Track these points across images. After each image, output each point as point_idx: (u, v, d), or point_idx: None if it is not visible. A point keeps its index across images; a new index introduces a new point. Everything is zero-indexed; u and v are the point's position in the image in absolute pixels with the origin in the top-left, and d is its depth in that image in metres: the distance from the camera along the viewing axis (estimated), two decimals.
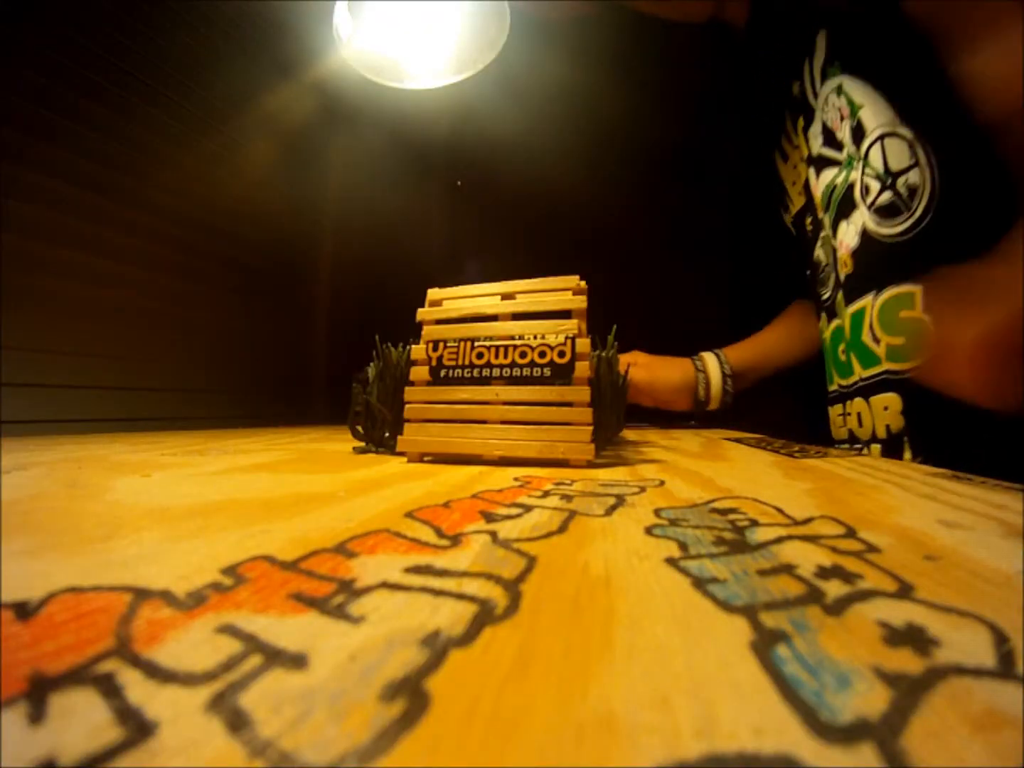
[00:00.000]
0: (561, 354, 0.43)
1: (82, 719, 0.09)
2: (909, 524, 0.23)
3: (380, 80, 0.90)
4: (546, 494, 0.30)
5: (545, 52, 1.09)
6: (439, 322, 0.48)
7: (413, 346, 0.48)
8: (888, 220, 0.65)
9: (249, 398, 1.13)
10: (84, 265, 0.80)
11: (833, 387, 0.83)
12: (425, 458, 0.46)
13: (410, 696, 0.09)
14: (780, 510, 0.25)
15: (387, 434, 0.53)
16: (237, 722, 0.09)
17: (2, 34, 0.71)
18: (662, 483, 0.34)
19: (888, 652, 0.11)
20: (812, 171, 0.79)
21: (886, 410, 0.67)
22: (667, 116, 1.26)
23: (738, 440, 0.72)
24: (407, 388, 0.47)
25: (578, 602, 0.14)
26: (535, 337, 0.44)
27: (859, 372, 0.72)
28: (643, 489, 0.32)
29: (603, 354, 0.52)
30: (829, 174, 0.75)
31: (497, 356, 0.45)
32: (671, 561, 0.17)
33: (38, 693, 0.09)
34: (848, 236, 0.71)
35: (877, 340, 0.67)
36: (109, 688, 0.10)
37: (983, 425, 0.56)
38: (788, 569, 0.16)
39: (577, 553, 0.18)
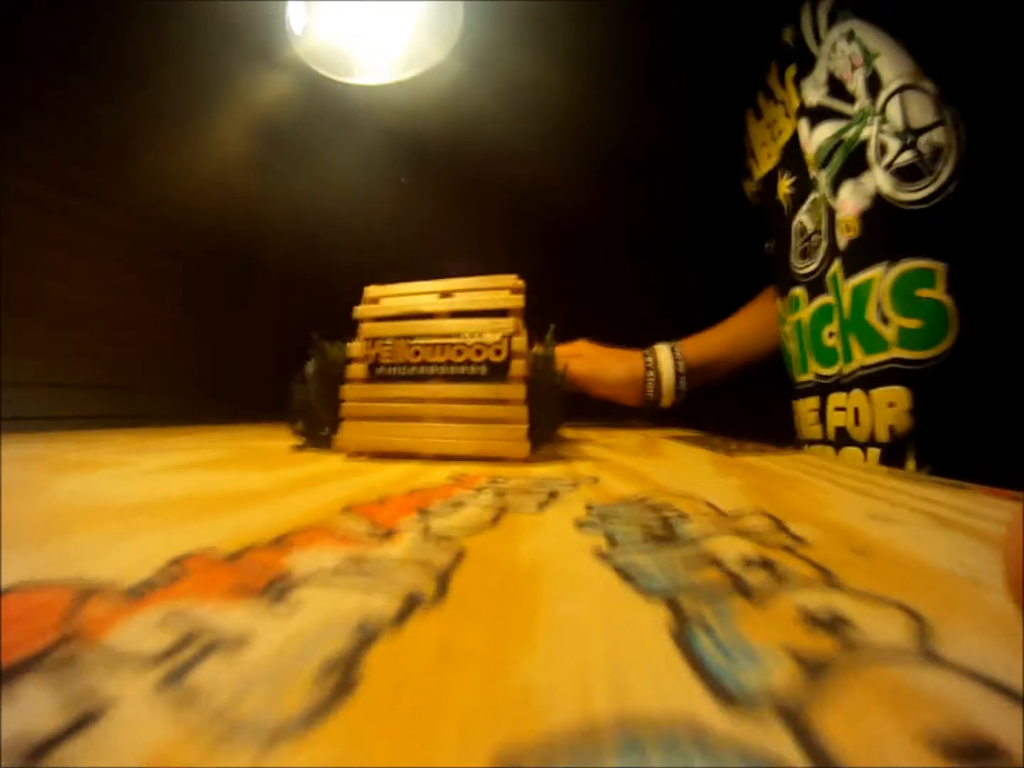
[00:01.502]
0: (497, 352, 0.44)
1: (35, 706, 0.09)
2: (834, 517, 0.24)
3: (331, 75, 0.90)
4: (480, 490, 0.30)
5: (503, 45, 1.09)
6: (377, 319, 0.48)
7: (350, 343, 0.48)
8: (907, 184, 0.57)
9: (192, 395, 1.12)
10: (22, 256, 0.78)
11: (805, 377, 0.75)
12: (362, 455, 0.46)
13: (343, 674, 0.10)
14: (711, 505, 0.26)
15: (325, 431, 0.53)
16: (186, 698, 0.09)
17: None
18: (596, 480, 0.35)
19: (801, 632, 0.12)
20: (804, 124, 0.71)
21: (891, 407, 0.59)
22: (624, 100, 1.25)
23: (678, 438, 0.73)
24: (344, 386, 0.47)
25: (504, 591, 0.15)
26: (472, 335, 0.45)
27: (860, 358, 0.62)
28: (576, 485, 0.32)
29: (540, 353, 0.52)
30: (829, 128, 0.66)
31: (434, 354, 0.45)
32: (599, 554, 0.18)
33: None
34: (855, 197, 0.62)
35: (886, 320, 0.59)
36: (62, 675, 0.10)
37: (1011, 435, 0.52)
38: (713, 560, 0.17)
39: (506, 546, 0.19)
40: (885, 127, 0.59)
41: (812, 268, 0.70)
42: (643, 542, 0.19)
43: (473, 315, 0.46)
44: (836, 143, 0.65)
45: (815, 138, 0.68)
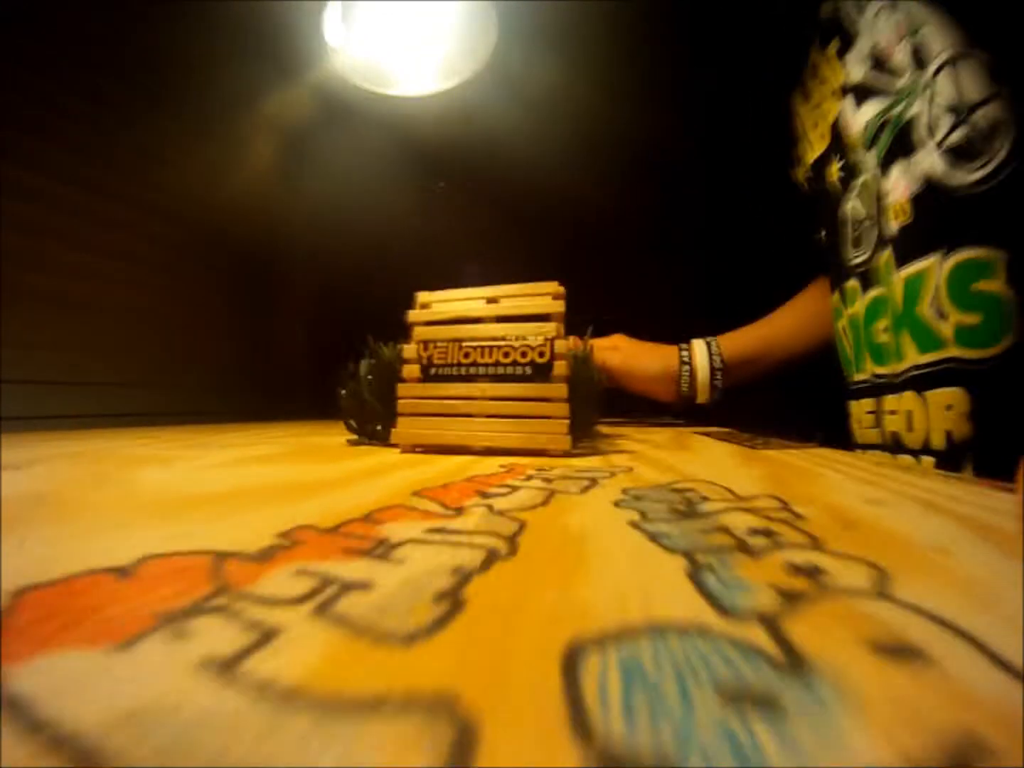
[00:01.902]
0: (541, 354, 0.48)
1: (218, 633, 0.12)
2: (835, 500, 0.28)
3: (370, 87, 0.94)
4: (529, 477, 0.34)
5: (534, 54, 1.11)
6: (428, 324, 0.52)
7: (405, 345, 0.52)
8: (963, 164, 0.52)
9: (230, 394, 1.15)
10: (58, 260, 0.82)
11: (861, 376, 0.70)
12: (417, 449, 0.50)
13: (452, 600, 0.14)
14: (729, 490, 0.30)
15: (379, 427, 0.57)
16: (340, 619, 0.13)
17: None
18: (630, 469, 0.39)
19: (782, 574, 0.16)
20: (850, 102, 0.66)
21: (948, 410, 0.54)
22: (648, 102, 1.24)
23: (707, 434, 0.75)
24: (400, 385, 0.51)
25: (561, 548, 0.19)
26: (517, 338, 0.49)
27: (913, 357, 0.57)
28: (613, 474, 0.36)
29: (578, 354, 0.56)
30: (874, 105, 0.62)
31: (482, 356, 0.49)
32: (632, 524, 0.22)
33: (172, 623, 0.13)
34: (906, 179, 0.57)
35: (943, 315, 0.54)
36: (229, 613, 0.14)
37: None
38: (724, 529, 0.21)
39: (557, 519, 0.23)
40: (935, 102, 0.54)
41: (862, 257, 0.66)
42: (668, 516, 0.23)
43: (518, 320, 0.50)
44: (883, 121, 0.60)
45: (860, 117, 0.64)
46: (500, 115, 1.22)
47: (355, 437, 0.60)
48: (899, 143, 0.58)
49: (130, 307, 0.92)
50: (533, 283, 0.51)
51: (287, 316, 1.36)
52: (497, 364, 0.49)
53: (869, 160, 0.63)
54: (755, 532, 0.21)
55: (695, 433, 0.78)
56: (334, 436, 0.65)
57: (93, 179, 0.87)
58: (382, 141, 1.36)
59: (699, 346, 0.95)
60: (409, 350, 0.52)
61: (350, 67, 0.93)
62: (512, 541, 0.19)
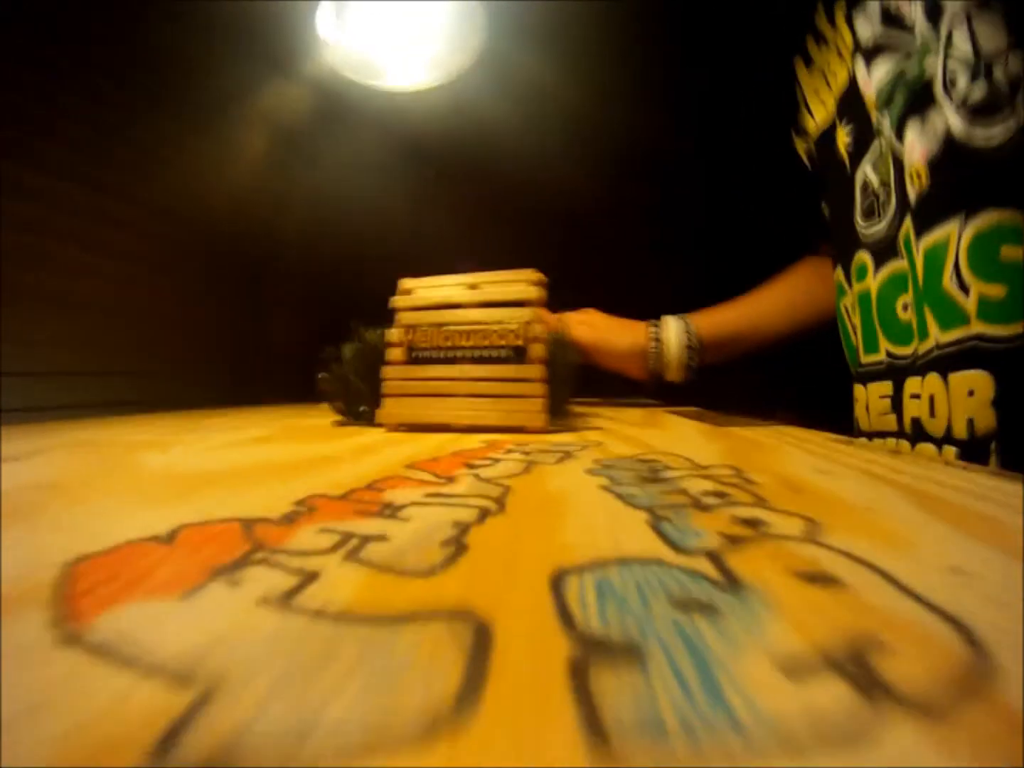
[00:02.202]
0: (518, 337, 0.51)
1: (266, 579, 0.15)
2: (787, 470, 0.31)
3: (361, 80, 0.96)
4: (509, 451, 0.37)
5: (526, 50, 1.12)
6: (412, 309, 0.55)
7: (389, 329, 0.55)
8: (983, 121, 0.49)
9: (208, 380, 1.17)
10: (46, 252, 0.82)
11: (872, 358, 0.65)
12: (401, 428, 0.53)
13: (456, 544, 0.17)
14: (691, 460, 0.33)
15: (363, 408, 0.60)
16: (367, 562, 0.16)
17: None
18: (601, 443, 0.42)
19: (731, 524, 0.19)
20: (861, 64, 0.62)
21: (971, 396, 0.49)
22: (638, 97, 1.24)
23: (677, 413, 0.78)
24: (384, 367, 0.54)
25: (542, 506, 0.22)
26: (496, 323, 0.51)
27: (936, 335, 0.52)
28: (586, 447, 0.39)
29: (554, 336, 0.59)
30: (887, 64, 0.58)
31: (463, 339, 0.52)
32: (603, 487, 0.25)
33: (223, 573, 0.15)
34: (923, 140, 0.53)
35: (965, 288, 0.49)
36: (271, 563, 0.16)
37: None
38: (682, 489, 0.24)
39: (537, 484, 0.26)
40: (951, 57, 0.51)
41: (880, 229, 0.61)
42: (635, 481, 0.26)
43: (497, 305, 0.52)
44: (897, 80, 0.57)
45: (874, 77, 0.60)
46: (491, 109, 1.23)
47: (341, 418, 0.62)
48: (914, 103, 0.54)
49: (120, 299, 0.93)
50: (512, 270, 0.54)
51: (273, 305, 1.38)
52: (477, 347, 0.51)
53: (884, 123, 0.58)
54: (709, 494, 0.24)
55: (667, 412, 0.81)
56: (319, 418, 0.67)
57: (88, 174, 0.88)
58: (373, 133, 1.37)
59: (671, 323, 0.93)
60: (393, 334, 0.54)
61: (342, 61, 0.95)
62: (500, 502, 0.22)
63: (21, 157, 0.78)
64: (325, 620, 0.12)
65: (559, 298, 0.53)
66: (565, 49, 1.17)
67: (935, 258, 0.52)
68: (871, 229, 0.62)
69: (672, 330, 0.91)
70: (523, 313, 0.51)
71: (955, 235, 0.50)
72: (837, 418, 0.68)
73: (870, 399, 0.66)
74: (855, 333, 0.69)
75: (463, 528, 0.18)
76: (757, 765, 0.07)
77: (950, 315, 0.51)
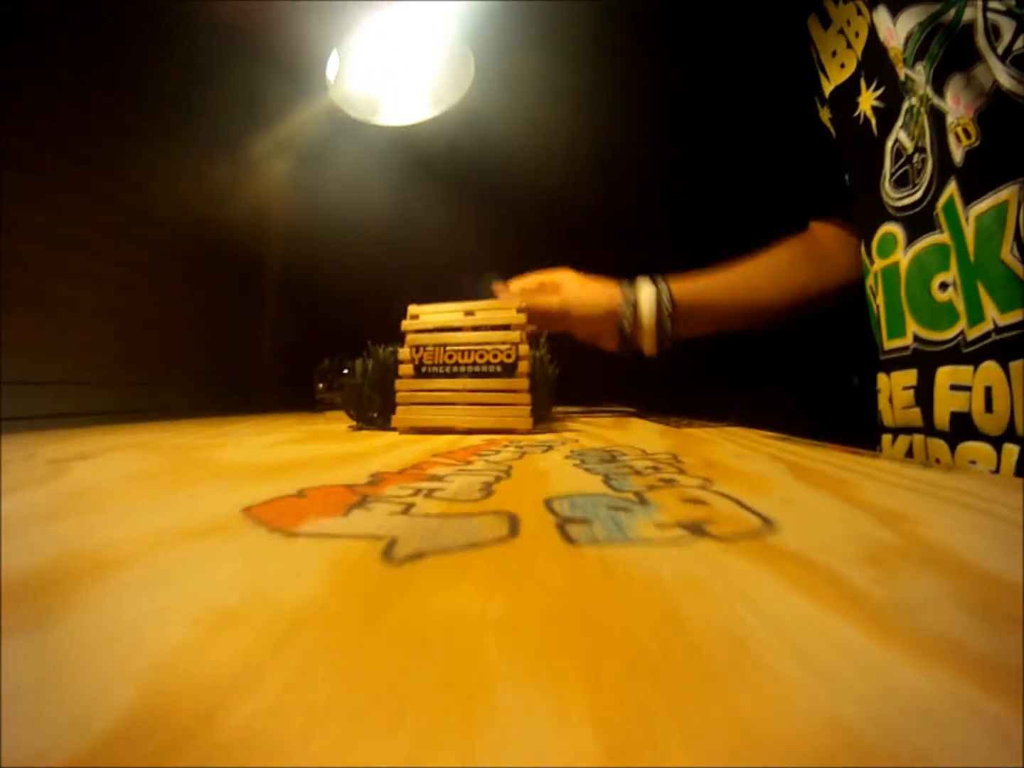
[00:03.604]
0: (508, 356, 0.62)
1: (384, 508, 0.26)
2: (714, 456, 0.42)
3: (360, 116, 1.07)
4: (506, 446, 0.48)
5: (530, 50, 1.20)
6: (418, 331, 0.66)
7: (400, 348, 0.66)
8: None
9: (206, 390, 1.23)
10: (35, 258, 0.87)
11: (897, 343, 0.59)
12: (412, 430, 0.64)
13: (488, 490, 0.28)
14: (643, 450, 0.44)
15: (375, 415, 0.71)
16: (438, 498, 0.27)
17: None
18: (576, 440, 0.53)
19: (655, 482, 0.30)
20: (882, 13, 0.57)
21: None
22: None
23: (643, 417, 0.90)
24: (397, 380, 0.65)
25: (534, 475, 0.33)
26: (489, 343, 0.63)
27: (994, 316, 0.47)
28: (565, 443, 0.51)
29: (538, 354, 0.71)
30: (917, 13, 0.53)
31: (463, 357, 0.63)
32: (575, 465, 0.37)
33: (356, 506, 0.27)
34: (968, 94, 0.49)
35: None
36: (383, 500, 0.27)
37: None
38: (630, 466, 0.36)
39: (529, 464, 0.38)
40: (991, 5, 0.47)
41: (914, 198, 0.55)
42: (597, 461, 0.38)
43: (489, 328, 0.64)
44: (931, 29, 0.52)
45: (899, 28, 0.55)
46: (492, 129, 1.30)
47: (354, 424, 0.73)
48: (953, 54, 0.50)
49: (97, 304, 0.99)
50: (501, 300, 0.65)
51: (266, 318, 1.45)
52: (474, 364, 0.63)
53: (917, 78, 0.53)
54: (648, 468, 0.35)
55: (635, 418, 0.92)
56: (333, 424, 0.78)
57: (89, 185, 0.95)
58: (372, 151, 1.45)
59: (645, 285, 0.86)
60: (404, 352, 0.66)
61: (342, 98, 1.06)
62: (508, 472, 0.34)
63: (18, 163, 0.84)
64: (432, 517, 0.23)
65: None
66: (564, 54, 1.23)
67: (989, 228, 0.47)
68: (903, 199, 0.57)
69: (645, 291, 0.85)
70: (511, 335, 0.63)
71: (1015, 200, 0.45)
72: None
73: (894, 390, 0.60)
74: (880, 314, 0.62)
75: (488, 484, 0.30)
76: (633, 551, 0.19)
77: (1011, 293, 0.46)
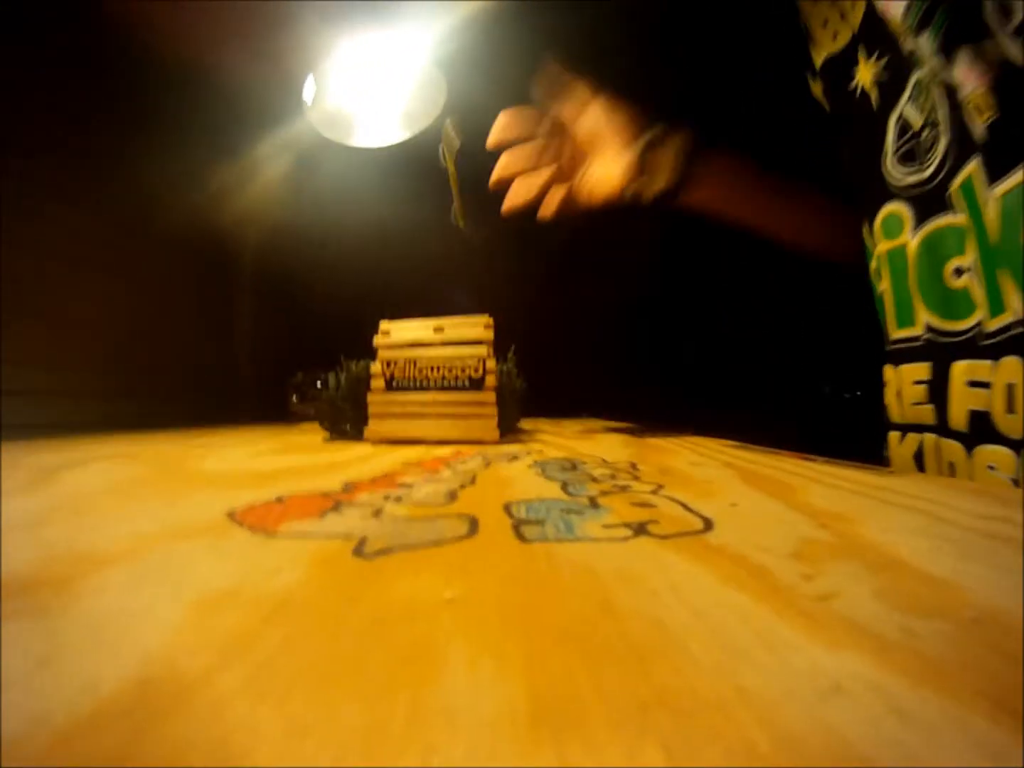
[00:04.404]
0: (476, 370, 0.64)
1: (356, 512, 0.28)
2: (670, 464, 0.45)
3: (335, 138, 1.09)
4: (472, 456, 0.51)
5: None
6: (389, 347, 0.68)
7: (372, 363, 0.68)
8: None
9: (184, 402, 1.25)
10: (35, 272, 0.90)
11: (908, 332, 0.54)
12: (384, 442, 0.66)
13: (452, 496, 0.30)
14: (603, 459, 0.47)
15: (347, 427, 0.73)
16: (407, 503, 0.29)
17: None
18: (541, 451, 0.56)
19: (609, 488, 0.33)
20: None
21: None
22: None
23: (609, 428, 0.92)
24: (369, 393, 0.67)
25: (497, 482, 0.35)
26: (458, 358, 0.65)
27: (1017, 307, 0.43)
28: (530, 453, 0.53)
29: (504, 367, 0.73)
30: None
31: (432, 371, 0.65)
32: (536, 474, 0.39)
33: (331, 511, 0.29)
34: (981, 64, 0.44)
35: None
36: (355, 506, 0.29)
37: None
38: (588, 474, 0.38)
39: (495, 472, 0.40)
40: None
41: (923, 176, 0.51)
42: (558, 470, 0.40)
43: (458, 344, 0.66)
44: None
45: None
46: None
47: (328, 435, 0.75)
48: (960, 23, 0.46)
49: (90, 320, 1.02)
50: (469, 316, 0.68)
51: (240, 334, 1.46)
52: (443, 378, 0.65)
53: (923, 48, 0.49)
54: (605, 476, 0.38)
55: (602, 429, 0.94)
56: (308, 436, 0.79)
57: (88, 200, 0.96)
58: (340, 172, 1.46)
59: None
60: (376, 367, 0.68)
61: (319, 121, 1.08)
62: (473, 480, 0.36)
63: (19, 179, 0.86)
64: (399, 520, 0.25)
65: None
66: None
67: (1015, 209, 0.43)
68: (909, 176, 0.53)
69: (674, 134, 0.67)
70: (479, 351, 0.65)
71: None
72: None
73: (903, 383, 0.55)
74: (886, 301, 0.58)
75: (453, 491, 0.32)
76: (578, 547, 0.21)
77: None
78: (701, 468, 0.42)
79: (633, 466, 0.42)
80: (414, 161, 1.29)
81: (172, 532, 0.23)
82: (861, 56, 0.57)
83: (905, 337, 0.55)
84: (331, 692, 0.11)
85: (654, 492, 0.31)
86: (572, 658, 0.12)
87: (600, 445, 0.63)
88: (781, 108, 0.76)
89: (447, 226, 0.73)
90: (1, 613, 0.14)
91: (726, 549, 0.20)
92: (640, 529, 0.23)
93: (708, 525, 0.24)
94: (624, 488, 0.33)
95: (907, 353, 0.54)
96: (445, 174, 0.68)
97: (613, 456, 0.49)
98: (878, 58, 0.55)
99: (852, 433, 0.64)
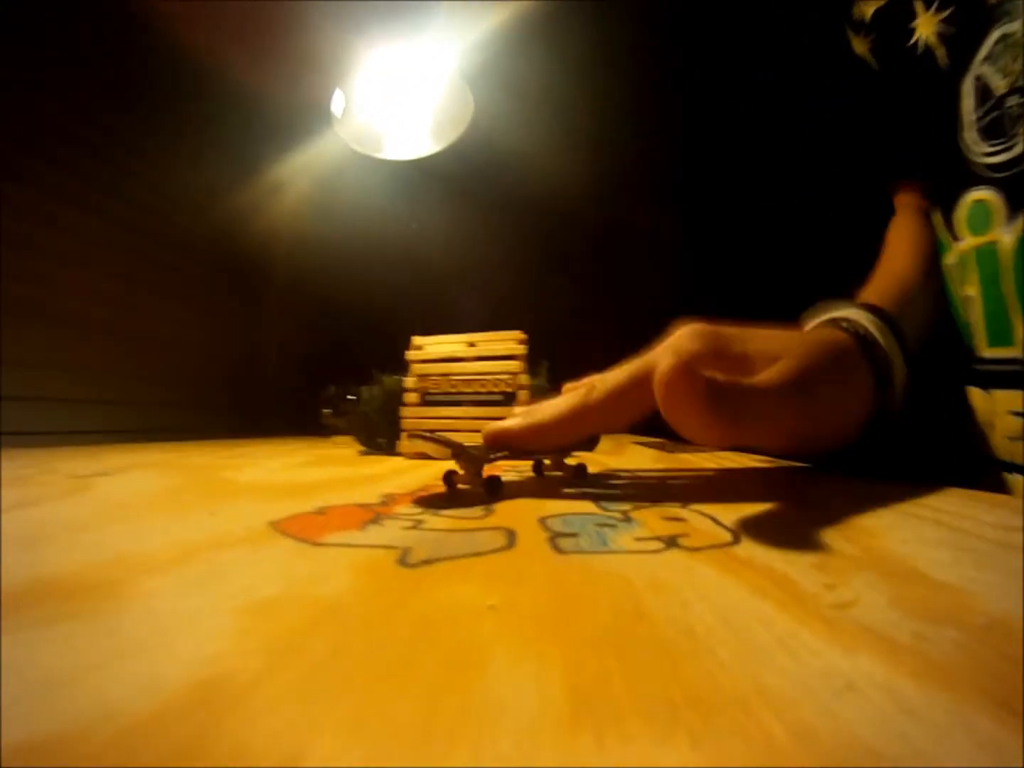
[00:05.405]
0: (508, 385, 0.65)
1: (396, 524, 0.29)
2: (702, 479, 0.45)
3: (364, 151, 1.11)
4: (506, 471, 0.52)
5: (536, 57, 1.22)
6: (423, 361, 0.70)
7: (406, 377, 0.70)
8: None
9: (216, 412, 1.28)
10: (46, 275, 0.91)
11: (1001, 352, 0.44)
12: (418, 456, 0.67)
13: (489, 510, 0.31)
14: (630, 470, 0.47)
15: (382, 440, 0.74)
16: (446, 516, 0.30)
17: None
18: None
19: (642, 502, 0.34)
20: None
21: None
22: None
23: (638, 443, 0.93)
24: (403, 408, 0.68)
25: (531, 496, 0.36)
26: (491, 373, 0.66)
27: None
28: None
29: (536, 382, 0.74)
30: None
31: (465, 386, 0.67)
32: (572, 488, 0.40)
33: (371, 522, 0.30)
34: None
35: None
36: (395, 517, 0.31)
37: None
38: (621, 488, 0.39)
39: (530, 483, 0.41)
40: None
41: (1013, 154, 0.41)
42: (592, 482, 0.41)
43: (491, 359, 0.67)
44: None
45: None
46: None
47: (362, 448, 0.77)
48: None
49: (106, 323, 1.03)
50: (501, 332, 0.69)
51: (272, 348, 1.49)
52: (476, 392, 0.66)
53: None
54: (631, 480, 0.38)
55: (632, 442, 0.95)
56: (342, 449, 0.81)
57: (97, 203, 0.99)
58: (371, 183, 1.49)
59: (859, 315, 0.41)
60: (410, 382, 0.69)
61: (349, 134, 1.11)
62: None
63: (23, 180, 0.88)
64: (440, 532, 0.26)
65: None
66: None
67: None
68: (995, 154, 0.42)
69: (868, 321, 0.41)
70: (511, 365, 0.66)
71: None
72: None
73: (998, 412, 0.45)
74: (972, 312, 0.47)
75: (489, 505, 0.33)
76: (611, 558, 0.22)
77: None
78: (731, 484, 0.43)
79: (663, 481, 0.43)
80: (443, 174, 1.31)
81: (217, 540, 0.24)
82: (918, 5, 0.48)
83: (1001, 358, 0.44)
84: (382, 692, 0.11)
85: (683, 506, 0.32)
86: (608, 660, 0.13)
87: (628, 457, 0.64)
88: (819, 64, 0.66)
89: (477, 239, 0.75)
90: (57, 613, 0.15)
91: (753, 560, 0.21)
92: (671, 542, 0.24)
93: (736, 537, 0.24)
94: (656, 502, 0.33)
95: (1002, 377, 0.44)
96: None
97: (640, 467, 0.50)
98: (940, 7, 0.46)
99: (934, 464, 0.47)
